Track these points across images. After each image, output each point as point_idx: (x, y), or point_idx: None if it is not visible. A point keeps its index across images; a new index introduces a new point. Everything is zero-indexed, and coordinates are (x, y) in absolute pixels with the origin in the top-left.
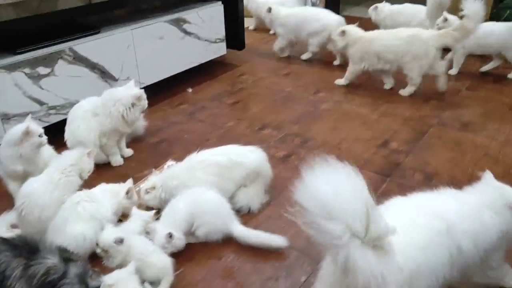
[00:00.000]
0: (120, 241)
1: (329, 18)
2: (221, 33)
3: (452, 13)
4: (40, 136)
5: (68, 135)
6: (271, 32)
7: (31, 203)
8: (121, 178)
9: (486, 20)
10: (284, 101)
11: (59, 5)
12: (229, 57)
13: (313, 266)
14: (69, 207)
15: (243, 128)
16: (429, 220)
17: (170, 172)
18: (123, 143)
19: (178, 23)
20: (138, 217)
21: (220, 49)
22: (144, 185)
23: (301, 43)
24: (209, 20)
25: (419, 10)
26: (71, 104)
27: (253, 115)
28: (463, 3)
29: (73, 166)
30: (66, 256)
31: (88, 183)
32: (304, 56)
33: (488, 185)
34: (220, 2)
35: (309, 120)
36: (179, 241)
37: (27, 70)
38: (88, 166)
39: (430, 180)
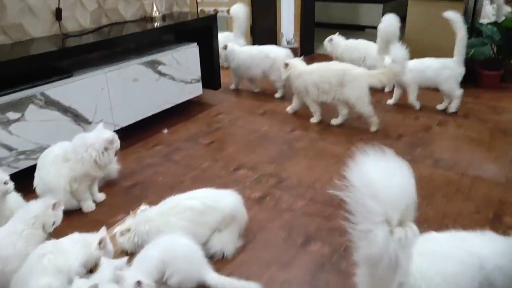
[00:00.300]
0: None
1: (276, 52)
2: (197, 73)
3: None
4: (5, 183)
5: (37, 181)
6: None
7: None
8: (94, 224)
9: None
10: (260, 140)
11: (31, 50)
12: (206, 96)
13: None
14: (34, 260)
15: (218, 169)
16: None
17: (143, 216)
18: (95, 188)
19: (153, 65)
20: (107, 266)
21: (196, 89)
22: (120, 227)
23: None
24: (185, 62)
25: (372, 46)
26: (42, 149)
27: (229, 155)
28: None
29: (36, 218)
30: None
31: (59, 231)
32: (277, 95)
33: None
34: (195, 44)
35: (285, 160)
36: None
37: None
38: (52, 219)
39: None
